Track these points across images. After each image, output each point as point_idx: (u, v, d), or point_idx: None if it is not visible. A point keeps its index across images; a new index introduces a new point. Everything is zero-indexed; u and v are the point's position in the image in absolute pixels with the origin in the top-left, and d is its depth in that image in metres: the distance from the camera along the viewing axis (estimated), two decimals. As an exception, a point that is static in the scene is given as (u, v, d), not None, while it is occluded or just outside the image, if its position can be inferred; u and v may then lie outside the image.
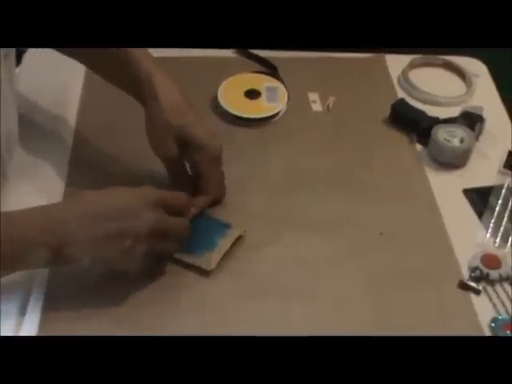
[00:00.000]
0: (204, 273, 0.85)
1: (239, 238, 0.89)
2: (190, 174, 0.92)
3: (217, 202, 0.93)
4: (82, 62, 0.98)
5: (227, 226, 0.89)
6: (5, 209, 0.87)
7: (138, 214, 0.78)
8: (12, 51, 0.89)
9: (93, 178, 0.96)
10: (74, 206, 0.79)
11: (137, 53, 0.90)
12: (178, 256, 0.86)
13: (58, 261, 0.77)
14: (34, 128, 1.02)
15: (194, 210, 0.88)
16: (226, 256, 0.87)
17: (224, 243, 0.88)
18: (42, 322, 0.80)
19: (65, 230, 0.75)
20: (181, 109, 0.88)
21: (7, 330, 0.78)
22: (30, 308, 0.81)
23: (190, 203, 0.86)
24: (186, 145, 0.88)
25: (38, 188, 0.94)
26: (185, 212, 0.85)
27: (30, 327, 0.79)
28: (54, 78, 1.10)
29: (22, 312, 0.81)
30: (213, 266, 0.85)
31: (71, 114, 1.06)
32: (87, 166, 0.98)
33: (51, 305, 0.81)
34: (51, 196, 0.91)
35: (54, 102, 1.07)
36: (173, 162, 0.91)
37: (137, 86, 0.89)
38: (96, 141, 1.02)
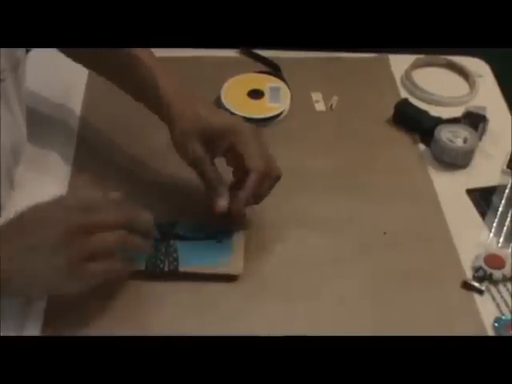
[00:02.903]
0: (231, 278, 0.85)
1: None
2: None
3: (265, 179, 0.85)
4: (101, 74, 0.97)
5: (226, 225, 0.89)
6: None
7: (48, 223, 0.74)
8: (22, 64, 0.89)
9: (98, 175, 0.95)
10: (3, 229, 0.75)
11: (154, 71, 0.89)
12: (195, 270, 0.84)
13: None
14: (38, 124, 1.02)
15: (239, 204, 0.84)
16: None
17: (237, 244, 0.87)
18: (45, 322, 0.80)
19: None
20: (197, 109, 0.86)
21: (10, 330, 0.78)
22: (32, 308, 0.81)
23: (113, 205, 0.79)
24: (214, 138, 0.85)
25: (44, 182, 0.95)
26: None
27: (32, 327, 0.79)
28: (58, 76, 1.11)
29: (25, 312, 0.80)
30: (240, 270, 0.85)
31: (75, 111, 1.06)
32: (92, 162, 0.98)
33: (53, 305, 0.81)
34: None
35: (58, 100, 1.07)
36: (202, 163, 0.86)
37: (156, 108, 0.89)
38: (100, 138, 1.02)
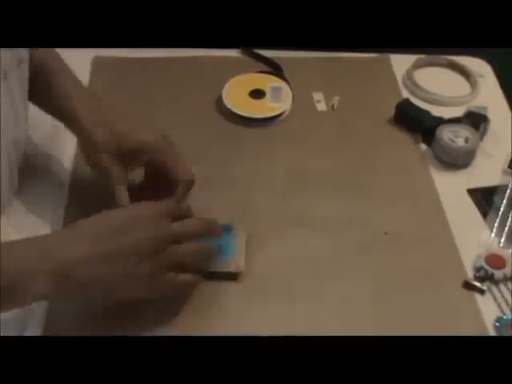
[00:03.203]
0: (233, 277, 0.85)
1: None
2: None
3: (191, 186, 0.89)
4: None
5: (230, 228, 0.89)
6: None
7: (134, 231, 0.75)
8: (26, 60, 0.89)
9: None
10: (71, 231, 0.76)
11: (62, 88, 0.90)
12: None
13: (58, 290, 0.73)
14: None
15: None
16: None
17: (239, 243, 0.87)
18: (47, 322, 0.80)
19: (63, 256, 0.72)
20: (111, 124, 0.87)
21: (12, 330, 0.78)
22: (33, 308, 0.80)
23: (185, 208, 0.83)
24: (130, 153, 0.86)
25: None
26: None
27: (34, 327, 0.79)
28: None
29: (27, 312, 0.80)
30: (241, 267, 0.85)
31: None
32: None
33: (55, 305, 0.81)
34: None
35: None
36: (111, 175, 0.87)
37: (66, 121, 0.90)
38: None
